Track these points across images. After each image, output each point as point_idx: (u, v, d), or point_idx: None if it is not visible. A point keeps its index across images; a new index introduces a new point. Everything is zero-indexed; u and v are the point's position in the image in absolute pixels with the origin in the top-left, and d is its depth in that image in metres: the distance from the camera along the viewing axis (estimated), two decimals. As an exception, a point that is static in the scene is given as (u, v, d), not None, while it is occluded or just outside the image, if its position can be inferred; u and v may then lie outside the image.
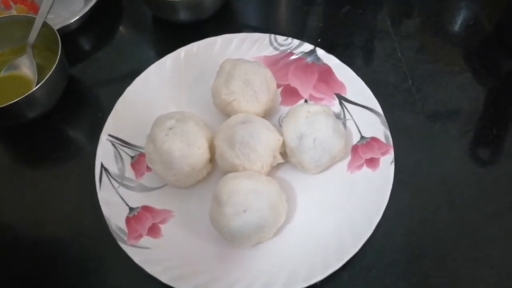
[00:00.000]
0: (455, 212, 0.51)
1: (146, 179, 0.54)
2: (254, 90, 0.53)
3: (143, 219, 0.51)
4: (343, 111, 0.57)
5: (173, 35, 0.67)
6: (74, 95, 0.62)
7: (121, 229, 0.49)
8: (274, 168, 0.53)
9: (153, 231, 0.50)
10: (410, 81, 0.61)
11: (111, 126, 0.56)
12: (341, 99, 0.58)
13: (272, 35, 0.62)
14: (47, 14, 0.59)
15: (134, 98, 0.58)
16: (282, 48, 0.62)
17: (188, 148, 0.49)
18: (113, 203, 0.51)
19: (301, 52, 0.61)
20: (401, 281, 0.48)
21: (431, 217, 0.51)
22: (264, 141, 0.50)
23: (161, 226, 0.51)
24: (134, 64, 0.64)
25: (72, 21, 0.65)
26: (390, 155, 0.52)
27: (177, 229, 0.50)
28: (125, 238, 0.49)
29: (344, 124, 0.56)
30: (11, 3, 0.68)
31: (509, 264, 0.48)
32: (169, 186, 0.53)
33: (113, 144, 0.55)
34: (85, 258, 0.51)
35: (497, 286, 0.48)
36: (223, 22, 0.68)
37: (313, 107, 0.52)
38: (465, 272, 0.48)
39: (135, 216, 0.51)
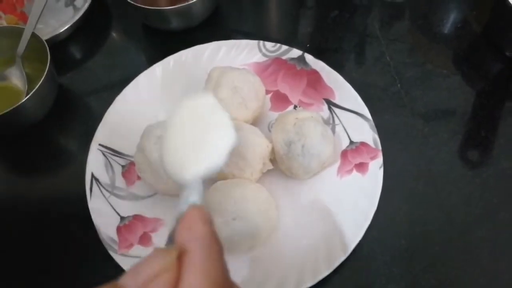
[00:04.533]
0: (444, 214, 0.52)
1: (137, 188, 0.54)
2: (243, 97, 0.53)
3: (134, 228, 0.51)
4: (332, 116, 0.57)
5: (163, 42, 0.68)
6: (64, 104, 0.63)
7: (111, 239, 0.49)
8: (264, 175, 0.52)
9: (144, 240, 0.50)
10: (399, 85, 0.61)
11: (101, 135, 0.56)
12: (330, 104, 0.58)
13: (261, 42, 0.63)
14: (36, 25, 0.59)
15: (123, 107, 0.58)
16: (271, 54, 0.62)
17: (178, 156, 0.49)
18: (104, 212, 0.51)
19: (290, 58, 0.61)
20: (391, 284, 0.48)
21: (421, 220, 0.51)
22: (253, 148, 0.50)
23: (152, 234, 0.51)
24: (124, 73, 0.64)
25: (61, 30, 0.66)
26: (379, 160, 0.53)
27: (168, 238, 0.51)
28: (116, 248, 0.49)
29: (333, 129, 0.56)
30: (1, 13, 0.68)
31: (498, 265, 0.49)
32: (160, 194, 0.53)
33: (103, 154, 0.55)
34: (76, 267, 0.51)
35: (487, 287, 0.48)
36: (213, 29, 0.69)
37: (301, 114, 0.52)
38: (455, 274, 0.48)
39: (126, 225, 0.51)
